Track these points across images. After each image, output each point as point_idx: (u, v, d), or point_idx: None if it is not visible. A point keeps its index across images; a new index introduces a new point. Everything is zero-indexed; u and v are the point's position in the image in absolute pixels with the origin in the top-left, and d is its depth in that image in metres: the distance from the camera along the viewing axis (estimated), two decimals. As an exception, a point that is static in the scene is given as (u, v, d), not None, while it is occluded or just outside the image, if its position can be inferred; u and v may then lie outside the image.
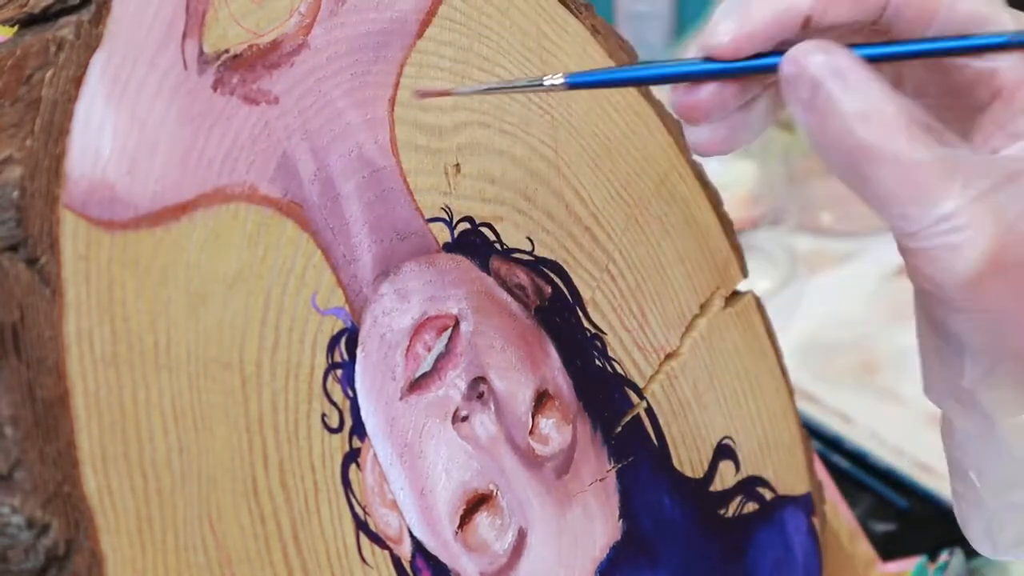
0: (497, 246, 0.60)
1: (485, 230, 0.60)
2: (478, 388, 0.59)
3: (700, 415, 0.67)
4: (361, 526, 0.54)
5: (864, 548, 0.81)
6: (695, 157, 0.67)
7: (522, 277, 0.61)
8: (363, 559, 0.53)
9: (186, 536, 0.48)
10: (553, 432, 0.61)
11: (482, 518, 0.58)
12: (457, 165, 0.59)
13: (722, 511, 0.67)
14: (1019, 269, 0.49)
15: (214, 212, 0.50)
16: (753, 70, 0.50)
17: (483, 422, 0.58)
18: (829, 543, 0.75)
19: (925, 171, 0.48)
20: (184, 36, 0.50)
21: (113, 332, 0.47)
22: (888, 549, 0.84)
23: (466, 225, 0.59)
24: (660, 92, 0.68)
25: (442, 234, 0.58)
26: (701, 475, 0.67)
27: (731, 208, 0.70)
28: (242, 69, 0.52)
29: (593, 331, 0.63)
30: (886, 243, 1.19)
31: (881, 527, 0.94)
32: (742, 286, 0.70)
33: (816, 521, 0.72)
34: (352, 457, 0.54)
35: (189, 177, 0.50)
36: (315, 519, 0.52)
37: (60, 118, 0.47)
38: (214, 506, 0.49)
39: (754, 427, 0.69)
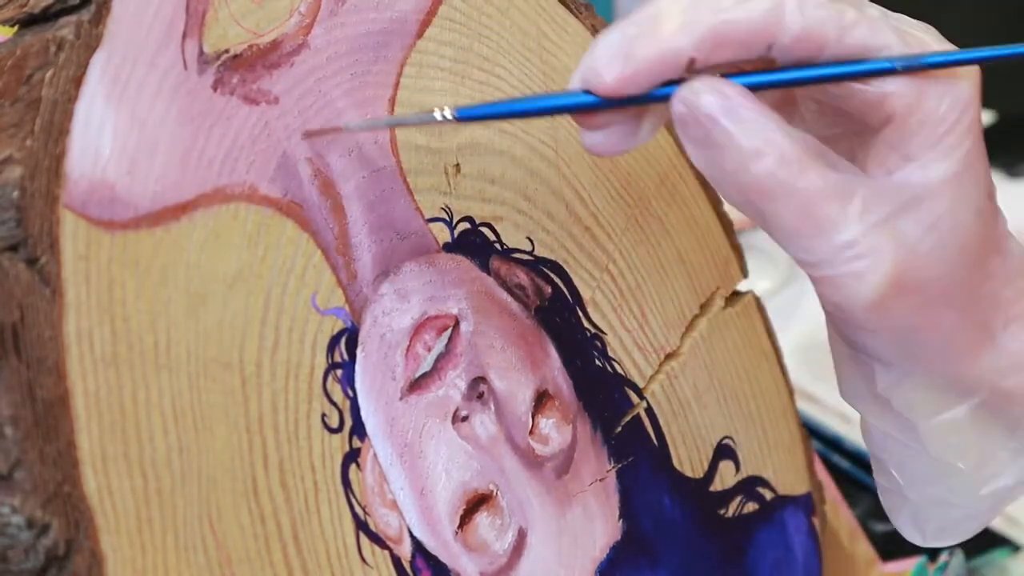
0: (497, 246, 0.60)
1: (485, 230, 0.60)
2: (478, 388, 0.59)
3: (700, 415, 0.67)
4: (361, 526, 0.54)
5: (864, 548, 0.81)
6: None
7: (522, 277, 0.61)
8: (363, 559, 0.53)
9: (186, 536, 0.48)
10: (553, 432, 0.61)
11: (482, 518, 0.58)
12: (457, 165, 0.59)
13: (722, 511, 0.67)
14: (921, 288, 0.50)
15: (214, 212, 0.50)
16: (642, 101, 0.50)
17: (483, 422, 0.58)
18: (829, 543, 0.75)
19: (822, 203, 0.48)
20: (184, 36, 0.50)
21: (113, 332, 0.47)
22: (888, 549, 0.84)
23: (466, 225, 0.59)
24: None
25: (442, 234, 0.58)
26: (701, 475, 0.67)
27: (731, 208, 0.70)
28: (242, 69, 0.52)
29: (593, 331, 0.63)
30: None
31: (881, 527, 0.94)
32: (742, 286, 0.70)
33: (816, 521, 0.72)
34: (352, 457, 0.54)
35: (189, 177, 0.50)
36: (315, 519, 0.52)
37: (60, 118, 0.47)
38: (214, 506, 0.49)
39: (754, 427, 0.69)
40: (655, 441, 0.65)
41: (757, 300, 0.71)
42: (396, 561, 0.54)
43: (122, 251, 0.47)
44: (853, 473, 0.99)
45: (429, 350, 0.57)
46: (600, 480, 0.62)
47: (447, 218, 0.59)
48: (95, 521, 0.45)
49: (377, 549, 0.54)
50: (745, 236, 0.73)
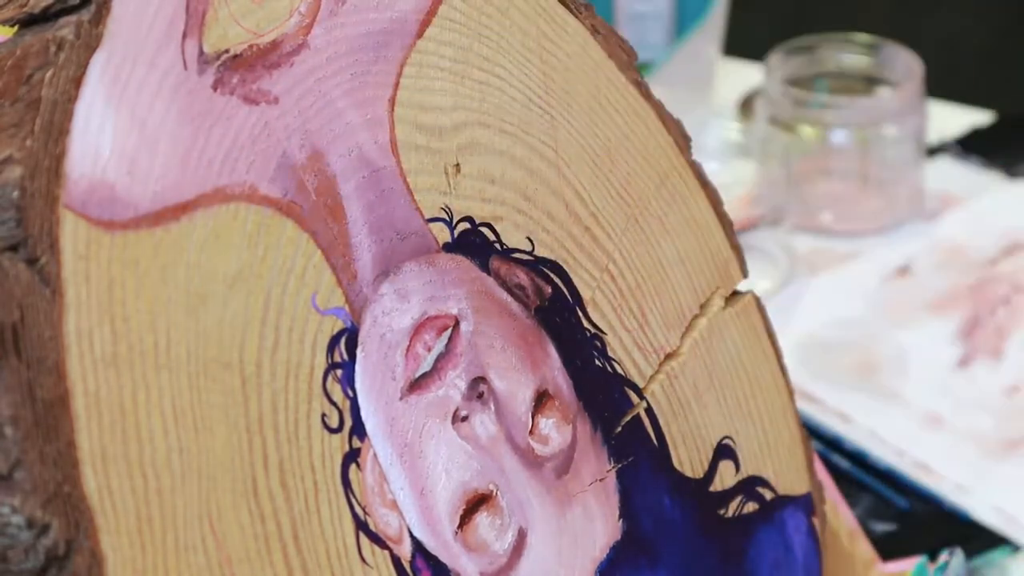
0: (497, 246, 0.60)
1: (485, 230, 0.60)
2: (478, 388, 0.59)
3: (700, 415, 0.67)
4: (361, 526, 0.54)
5: (864, 548, 0.81)
6: (695, 157, 0.67)
7: (522, 277, 0.61)
8: (363, 559, 0.53)
9: (186, 536, 0.48)
10: (553, 432, 0.61)
11: (482, 518, 0.58)
12: (457, 165, 0.59)
13: (722, 511, 0.67)
14: None
15: (214, 212, 0.50)
16: None
17: (483, 422, 0.58)
18: (829, 543, 0.75)
19: None
20: (184, 36, 0.50)
21: (113, 332, 0.47)
22: (888, 549, 0.84)
23: (466, 225, 0.59)
24: (660, 92, 0.68)
25: (442, 234, 0.58)
26: (701, 475, 0.67)
27: (731, 208, 0.70)
28: (242, 69, 0.52)
29: (593, 331, 0.63)
30: (886, 243, 1.19)
31: (881, 527, 0.94)
32: (742, 286, 0.70)
33: (816, 521, 0.72)
34: (352, 457, 0.54)
35: (189, 177, 0.50)
36: (315, 519, 0.52)
37: (60, 118, 0.47)
38: (214, 506, 0.49)
39: (754, 427, 0.69)
40: (655, 441, 0.65)
41: (757, 300, 0.71)
42: (396, 561, 0.54)
43: (122, 251, 0.47)
44: (853, 473, 0.99)
45: (429, 350, 0.57)
46: (600, 480, 0.62)
47: (447, 218, 0.59)
48: (95, 521, 0.45)
49: (377, 549, 0.54)
50: (745, 236, 0.73)
